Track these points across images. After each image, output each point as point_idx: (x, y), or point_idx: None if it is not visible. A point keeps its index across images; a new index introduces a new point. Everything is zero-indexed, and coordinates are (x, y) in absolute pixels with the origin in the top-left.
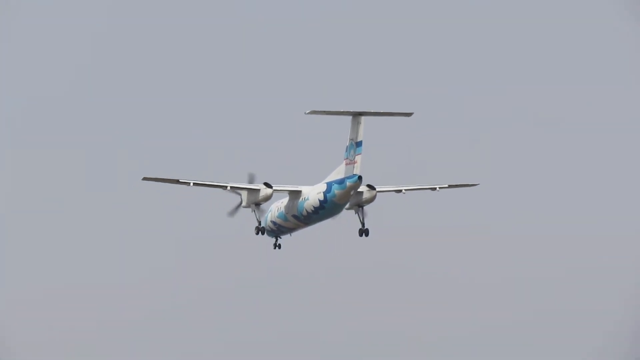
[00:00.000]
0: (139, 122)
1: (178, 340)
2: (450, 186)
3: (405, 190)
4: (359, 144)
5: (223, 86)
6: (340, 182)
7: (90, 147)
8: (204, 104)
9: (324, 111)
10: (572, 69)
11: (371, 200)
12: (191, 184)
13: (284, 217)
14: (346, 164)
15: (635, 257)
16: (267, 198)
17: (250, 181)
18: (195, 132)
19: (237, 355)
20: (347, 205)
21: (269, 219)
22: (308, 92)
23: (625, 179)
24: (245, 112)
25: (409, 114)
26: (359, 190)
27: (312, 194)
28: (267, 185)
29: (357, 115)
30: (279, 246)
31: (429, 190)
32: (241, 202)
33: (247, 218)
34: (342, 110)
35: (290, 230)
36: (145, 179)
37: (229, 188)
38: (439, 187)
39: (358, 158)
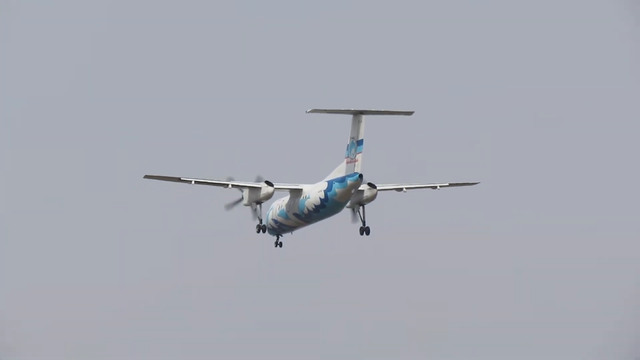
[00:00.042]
0: (139, 122)
1: (178, 339)
2: (451, 185)
3: (406, 188)
4: (359, 143)
5: (223, 86)
6: (341, 180)
7: (90, 147)
8: (204, 104)
9: (325, 110)
10: (572, 69)
11: (372, 198)
12: (192, 182)
13: (285, 215)
14: (347, 163)
15: (635, 257)
16: (269, 196)
17: (258, 182)
18: (195, 132)
19: (238, 353)
20: (348, 204)
21: (270, 217)
22: (308, 92)
23: (625, 178)
24: (245, 112)
25: (409, 113)
26: (359, 188)
27: (313, 192)
28: (269, 183)
29: (358, 113)
30: (280, 244)
31: (430, 189)
32: (242, 198)
33: (248, 216)
34: (343, 109)
35: (291, 228)
36: (147, 176)
37: (230, 186)
38: (440, 186)
39: (359, 157)
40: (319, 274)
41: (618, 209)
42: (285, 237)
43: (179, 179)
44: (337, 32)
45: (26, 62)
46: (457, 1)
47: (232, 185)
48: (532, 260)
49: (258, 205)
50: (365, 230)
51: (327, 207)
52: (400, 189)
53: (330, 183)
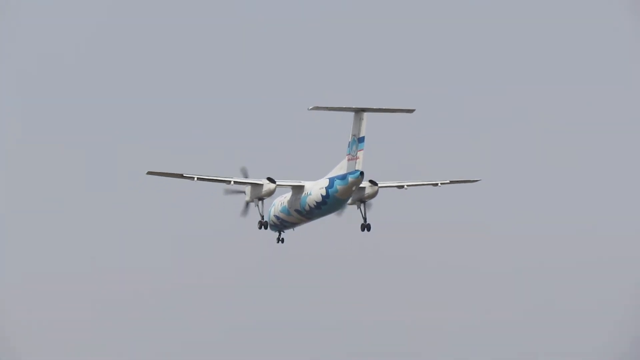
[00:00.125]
0: (139, 122)
1: (179, 338)
2: (452, 182)
3: (407, 185)
4: (361, 140)
5: (223, 86)
6: (343, 177)
7: (90, 147)
8: (204, 104)
9: (327, 107)
10: (572, 69)
11: (373, 195)
12: (195, 179)
13: (287, 211)
14: (348, 160)
15: (635, 257)
16: (270, 193)
17: (244, 175)
18: (195, 132)
19: (239, 352)
20: (350, 201)
21: (272, 213)
22: (308, 92)
23: (624, 178)
24: (245, 112)
25: (410, 111)
26: (361, 185)
27: (315, 189)
28: (271, 180)
29: (359, 111)
30: (282, 240)
31: (431, 186)
32: (245, 200)
33: (250, 213)
34: (344, 106)
35: (293, 224)
36: (149, 173)
37: (232, 183)
38: (441, 183)
39: (360, 154)
40: (319, 272)
41: (618, 208)
42: (286, 234)
43: (181, 176)
44: (337, 32)
45: (26, 62)
46: (457, 1)
47: (235, 182)
48: (532, 259)
49: (260, 202)
50: (366, 227)
51: (328, 204)
52: (402, 186)
53: (331, 180)
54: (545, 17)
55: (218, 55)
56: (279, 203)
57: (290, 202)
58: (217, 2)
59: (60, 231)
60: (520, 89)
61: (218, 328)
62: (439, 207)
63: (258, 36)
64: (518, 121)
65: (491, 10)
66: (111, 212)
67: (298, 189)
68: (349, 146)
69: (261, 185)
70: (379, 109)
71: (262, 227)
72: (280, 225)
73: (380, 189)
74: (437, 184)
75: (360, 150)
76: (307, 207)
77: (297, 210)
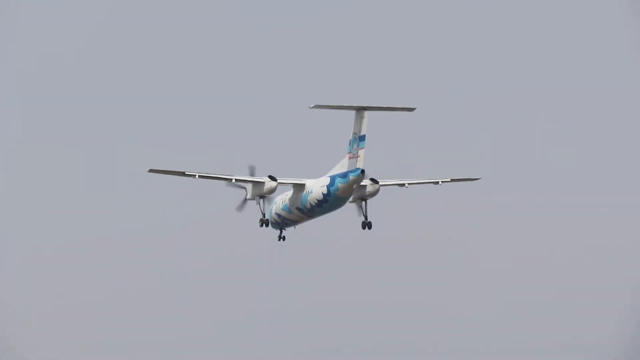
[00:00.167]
0: (139, 122)
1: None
2: (452, 180)
3: (408, 183)
4: (362, 138)
5: (223, 86)
6: (344, 175)
7: (90, 147)
8: (204, 104)
9: (328, 105)
10: (572, 69)
11: (374, 193)
12: (197, 177)
13: (288, 209)
14: (349, 158)
15: (634, 257)
16: (272, 191)
17: (251, 173)
18: (195, 132)
19: (240, 350)
20: (351, 199)
21: (273, 211)
22: (308, 92)
23: (624, 178)
24: (245, 112)
25: (411, 109)
26: (362, 183)
27: (316, 187)
28: (272, 178)
29: (360, 109)
30: (284, 238)
31: (432, 184)
32: (246, 197)
33: (252, 211)
34: (345, 105)
35: (294, 222)
36: (151, 170)
37: (234, 180)
38: (442, 181)
39: (361, 152)
40: (320, 269)
41: (618, 208)
42: (288, 231)
43: (183, 173)
44: (337, 32)
45: (26, 62)
46: (457, 1)
47: (236, 180)
48: (531, 259)
49: (262, 200)
50: (367, 224)
51: (329, 202)
52: (402, 185)
53: (332, 178)
54: (545, 17)
55: (218, 55)
56: (280, 201)
57: (291, 200)
58: (217, 2)
59: (60, 231)
60: (520, 89)
61: (218, 326)
62: (440, 205)
63: (258, 36)
64: (518, 121)
65: (491, 10)
66: (111, 212)
67: (299, 187)
68: (350, 144)
69: (262, 183)
70: (380, 107)
71: (264, 225)
72: (282, 223)
73: (381, 187)
74: (437, 182)
75: (361, 149)
76: (308, 205)
77: (298, 208)
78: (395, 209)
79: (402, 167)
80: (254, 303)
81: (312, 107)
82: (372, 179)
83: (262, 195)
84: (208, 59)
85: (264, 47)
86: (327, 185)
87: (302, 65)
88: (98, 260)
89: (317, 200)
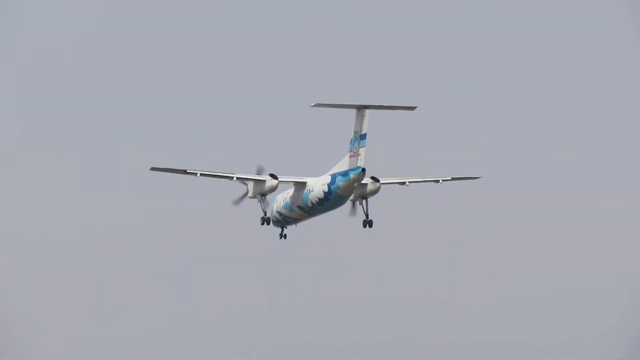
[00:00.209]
0: (139, 122)
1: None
2: (453, 179)
3: (408, 182)
4: (363, 137)
5: (223, 86)
6: (344, 174)
7: (90, 147)
8: (204, 104)
9: (329, 104)
10: (572, 69)
11: (375, 192)
12: (198, 175)
13: (289, 207)
14: (350, 157)
15: (633, 257)
16: (273, 189)
17: (259, 173)
18: (195, 132)
19: (241, 348)
20: (352, 197)
21: (274, 209)
22: (309, 91)
23: (624, 178)
24: (245, 112)
25: (412, 108)
26: (363, 182)
27: (317, 185)
28: (273, 176)
29: (361, 108)
30: (285, 236)
31: (433, 183)
32: (247, 192)
33: (253, 209)
34: (346, 103)
35: (295, 220)
36: (153, 169)
37: (235, 179)
38: (442, 180)
39: (362, 151)
40: (321, 268)
41: (618, 208)
42: (289, 229)
43: (184, 171)
44: (337, 32)
45: (26, 62)
46: (457, 1)
47: (237, 178)
48: (531, 258)
49: (263, 198)
50: (368, 223)
51: (330, 200)
52: (403, 183)
53: (333, 176)
54: (545, 17)
55: (218, 55)
56: (281, 199)
57: (292, 198)
58: (217, 2)
59: (61, 231)
60: (520, 89)
61: (219, 324)
62: (440, 204)
63: (258, 36)
64: (518, 121)
65: (491, 10)
66: (111, 212)
67: (300, 186)
68: (350, 143)
69: (264, 181)
70: (381, 106)
71: (265, 223)
72: (283, 221)
73: (382, 185)
74: (438, 181)
75: (362, 147)
76: (309, 204)
77: (299, 207)
78: (396, 207)
79: (403, 165)
80: (255, 301)
81: (313, 106)
82: (372, 178)
83: (263, 193)
84: (208, 59)
85: (264, 47)
86: (328, 184)
87: (302, 65)
88: (98, 260)
89: (318, 198)
